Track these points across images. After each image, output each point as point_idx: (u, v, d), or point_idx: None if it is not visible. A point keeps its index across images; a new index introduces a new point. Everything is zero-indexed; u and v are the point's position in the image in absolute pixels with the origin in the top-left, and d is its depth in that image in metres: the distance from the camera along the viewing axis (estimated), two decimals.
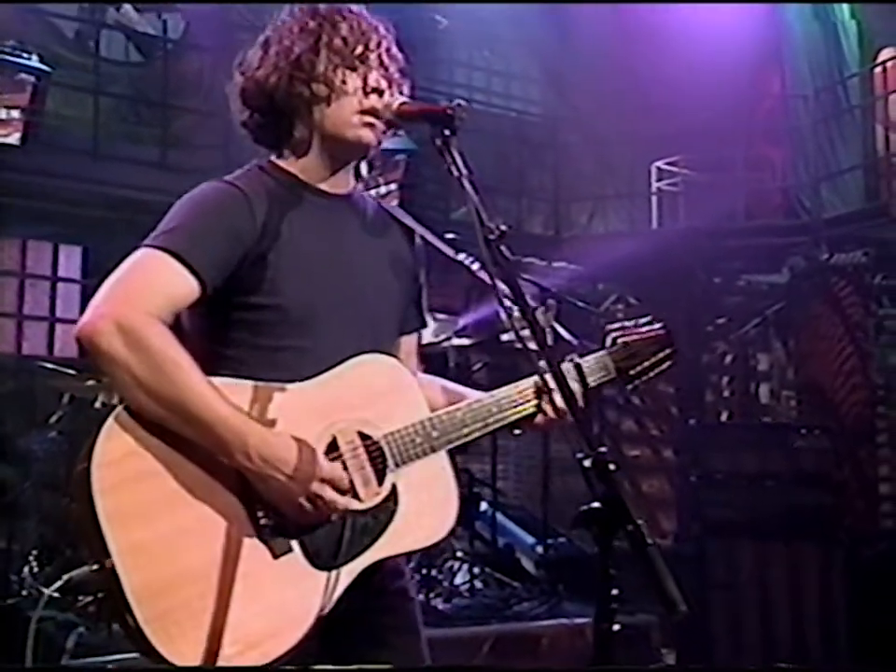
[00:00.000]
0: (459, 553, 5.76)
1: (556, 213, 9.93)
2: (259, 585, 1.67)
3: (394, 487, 1.79)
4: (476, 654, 4.85)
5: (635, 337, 2.11)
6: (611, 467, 1.36)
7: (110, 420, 1.65)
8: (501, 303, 1.62)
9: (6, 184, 6.51)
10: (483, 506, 6.37)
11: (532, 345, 1.58)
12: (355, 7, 1.90)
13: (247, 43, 1.94)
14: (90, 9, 8.14)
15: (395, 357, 1.94)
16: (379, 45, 1.87)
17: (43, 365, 5.44)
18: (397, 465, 1.79)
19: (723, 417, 9.47)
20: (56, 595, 4.18)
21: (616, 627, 1.31)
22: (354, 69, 1.84)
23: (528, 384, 1.94)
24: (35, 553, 4.76)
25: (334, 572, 1.71)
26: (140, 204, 6.61)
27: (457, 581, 5.69)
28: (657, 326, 2.14)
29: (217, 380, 1.70)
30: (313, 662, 1.77)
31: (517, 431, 1.98)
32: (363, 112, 1.83)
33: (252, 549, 1.68)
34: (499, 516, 6.44)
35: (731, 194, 9.07)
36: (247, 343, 1.79)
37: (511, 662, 4.94)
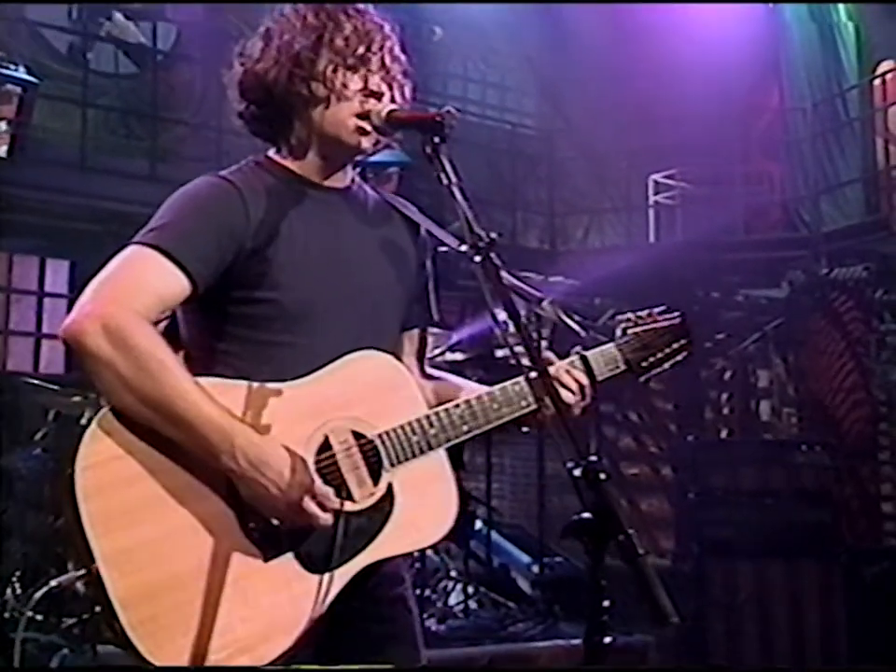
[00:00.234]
0: (453, 573, 5.74)
1: (552, 227, 9.97)
2: (249, 589, 1.66)
3: (390, 487, 1.77)
4: None
5: (646, 327, 2.03)
6: (602, 476, 1.36)
7: (94, 423, 1.64)
8: (493, 317, 1.59)
9: None
10: (478, 524, 6.36)
11: (525, 360, 1.56)
12: (360, 6, 1.89)
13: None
14: (80, 21, 8.17)
15: (398, 352, 1.92)
16: (382, 46, 1.85)
17: (28, 381, 5.43)
18: (392, 464, 1.76)
19: (723, 434, 9.47)
20: (39, 617, 4.16)
21: (607, 640, 1.31)
22: (354, 70, 1.83)
23: (528, 379, 1.87)
24: (18, 574, 4.74)
25: (327, 575, 1.68)
26: (129, 218, 6.58)
27: (451, 601, 5.67)
28: (672, 314, 2.06)
29: (206, 380, 1.69)
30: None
31: (525, 429, 1.93)
32: (361, 115, 1.83)
33: (242, 552, 1.66)
34: (494, 535, 6.43)
35: (729, 207, 9.11)
36: (243, 338, 1.78)
37: None
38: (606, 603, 1.33)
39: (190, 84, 8.36)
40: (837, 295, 8.49)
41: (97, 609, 1.67)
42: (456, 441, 1.83)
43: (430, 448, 1.80)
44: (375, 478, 1.76)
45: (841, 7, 9.49)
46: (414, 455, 1.78)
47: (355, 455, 1.75)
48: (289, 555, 1.69)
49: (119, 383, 1.63)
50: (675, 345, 2.05)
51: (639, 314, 2.06)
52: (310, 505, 1.65)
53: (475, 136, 9.10)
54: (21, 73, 6.77)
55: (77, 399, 4.72)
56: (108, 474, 1.62)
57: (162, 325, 1.81)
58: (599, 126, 9.54)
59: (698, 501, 5.79)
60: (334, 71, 1.82)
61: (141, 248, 1.72)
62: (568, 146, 10.00)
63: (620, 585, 1.37)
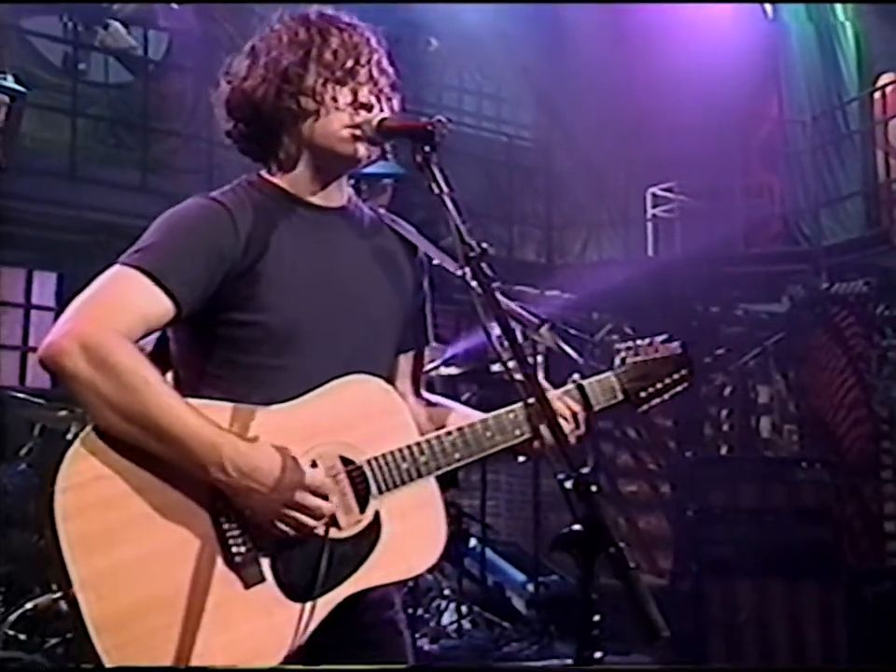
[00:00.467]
0: (447, 592, 5.74)
1: (549, 240, 10.01)
2: (229, 615, 1.64)
3: (377, 515, 1.75)
4: None
5: (646, 357, 2.02)
6: (593, 488, 1.36)
7: (77, 443, 1.63)
8: (486, 331, 1.59)
9: None
10: (473, 542, 6.35)
11: (518, 375, 1.55)
12: (347, 18, 1.90)
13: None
14: (74, 30, 8.21)
15: (393, 375, 1.91)
16: (370, 59, 1.86)
17: (14, 395, 5.42)
18: (380, 491, 1.75)
19: (723, 451, 9.48)
20: (22, 636, 4.14)
21: (598, 655, 1.31)
22: (343, 84, 1.84)
23: (523, 407, 1.87)
24: (2, 592, 4.72)
25: (309, 604, 1.66)
26: (118, 229, 6.63)
27: (445, 620, 5.67)
28: (673, 344, 2.04)
29: (193, 401, 1.68)
30: None
31: (521, 458, 1.92)
32: (352, 127, 1.83)
33: (222, 577, 1.65)
34: (489, 553, 6.42)
35: (728, 221, 9.14)
36: (231, 361, 1.77)
37: None
38: (596, 617, 1.33)
39: (182, 94, 8.39)
40: (838, 310, 8.52)
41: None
42: (447, 469, 1.82)
43: (420, 476, 1.78)
44: (362, 505, 1.75)
45: (841, 15, 9.55)
46: (403, 483, 1.77)
47: (342, 482, 1.73)
48: (271, 582, 1.68)
49: (101, 402, 1.62)
50: (675, 376, 2.04)
51: (639, 342, 2.05)
52: (307, 498, 1.65)
53: (471, 148, 9.14)
54: (10, 82, 6.78)
55: (63, 413, 4.71)
56: (88, 495, 1.61)
57: (151, 343, 1.81)
58: (597, 138, 9.59)
59: (697, 519, 5.79)
60: (323, 85, 1.82)
61: (125, 269, 1.71)
62: (566, 158, 10.05)
63: (616, 604, 1.37)
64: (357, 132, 1.83)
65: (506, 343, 1.57)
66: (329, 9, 1.90)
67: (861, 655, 5.41)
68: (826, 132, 9.34)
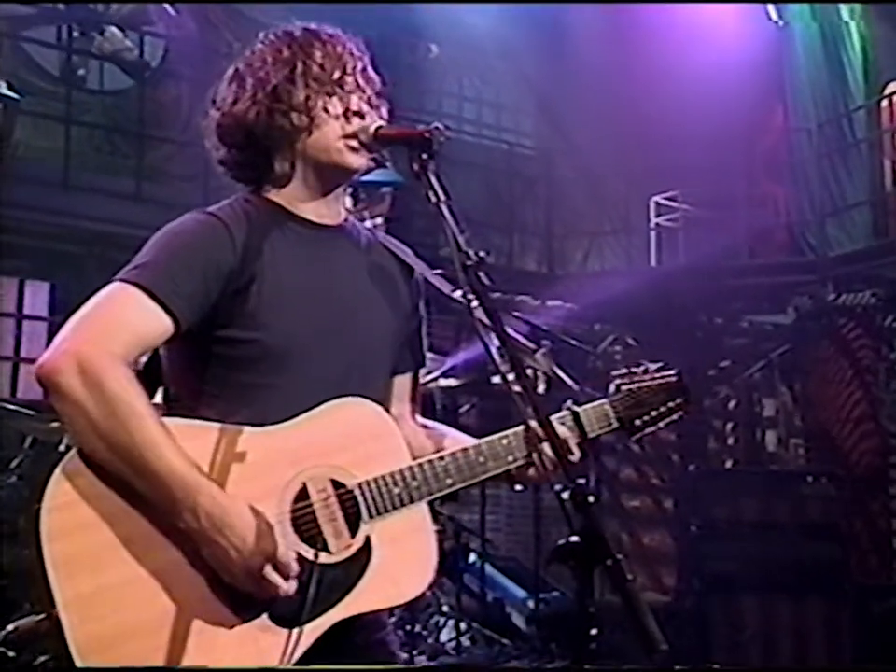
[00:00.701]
0: (445, 608, 5.72)
1: (550, 249, 10.03)
2: (214, 641, 1.64)
3: (367, 539, 1.75)
4: None
5: (641, 384, 2.04)
6: (590, 499, 1.37)
7: (64, 462, 1.64)
8: (485, 344, 1.61)
9: None
10: (472, 557, 6.34)
11: (517, 389, 1.56)
12: (329, 29, 1.92)
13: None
14: (69, 37, 8.25)
15: (387, 396, 1.93)
16: (355, 67, 1.88)
17: (5, 406, 5.42)
18: (371, 516, 1.75)
19: (728, 465, 9.47)
20: (11, 654, 4.13)
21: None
22: (332, 94, 1.86)
23: (517, 433, 1.89)
24: None
25: (296, 630, 1.66)
26: (112, 238, 6.66)
27: (443, 637, 5.65)
28: (669, 372, 2.06)
29: (182, 421, 1.69)
30: None
31: (518, 487, 1.94)
32: (346, 136, 1.85)
33: (208, 602, 1.65)
34: (489, 568, 6.40)
35: (733, 231, 9.16)
36: (225, 379, 1.78)
37: None
38: (594, 631, 1.34)
39: (178, 101, 8.43)
40: (845, 322, 8.52)
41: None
42: (439, 494, 1.83)
43: (412, 501, 1.79)
44: (353, 529, 1.75)
45: (846, 14, 9.58)
46: (395, 508, 1.78)
47: (333, 505, 1.74)
48: (258, 608, 1.68)
49: (89, 426, 1.63)
50: (670, 404, 2.06)
51: (634, 369, 2.07)
52: (271, 574, 1.64)
53: (471, 156, 9.17)
54: (3, 89, 6.82)
55: (55, 425, 4.70)
56: (75, 516, 1.62)
57: (143, 361, 1.82)
58: (599, 146, 9.61)
59: (700, 534, 5.79)
60: (313, 98, 1.85)
61: (123, 286, 1.72)
62: (567, 166, 10.08)
63: (616, 621, 1.38)
64: (352, 141, 1.85)
65: (505, 356, 1.59)
66: (311, 24, 1.93)
67: None
68: (832, 140, 9.36)
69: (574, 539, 1.36)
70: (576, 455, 1.92)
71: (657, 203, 9.73)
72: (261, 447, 1.72)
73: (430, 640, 5.55)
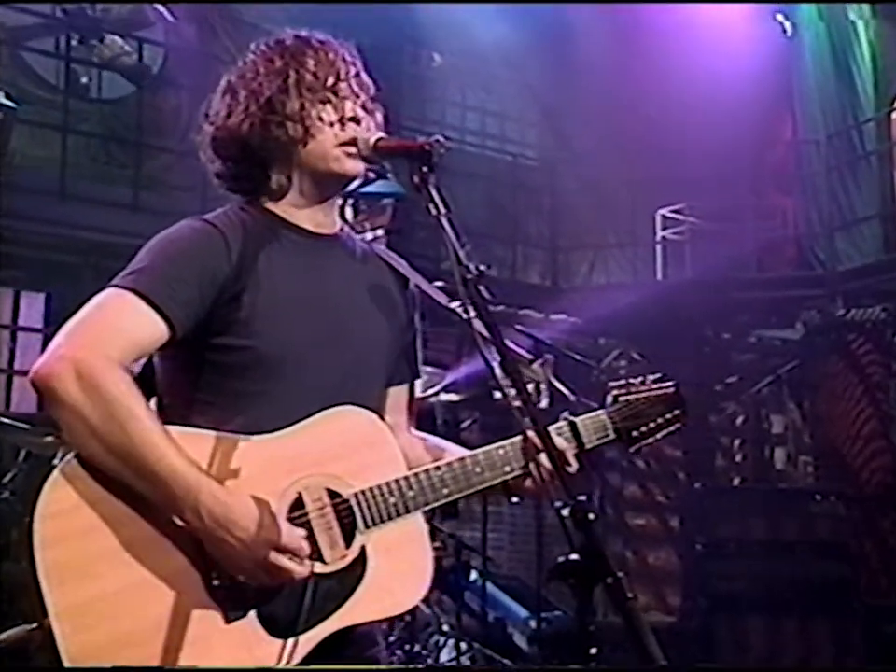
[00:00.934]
0: (445, 628, 5.70)
1: (554, 262, 10.05)
2: (209, 651, 1.65)
3: (363, 550, 1.77)
4: None
5: (638, 395, 2.07)
6: (590, 516, 1.39)
7: (57, 470, 1.66)
8: (485, 358, 1.63)
9: None
10: (473, 576, 6.33)
11: (515, 398, 1.59)
12: (320, 35, 1.95)
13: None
14: (66, 45, 8.29)
15: (382, 407, 1.95)
16: (348, 73, 1.91)
17: None
18: (367, 526, 1.78)
19: (735, 483, 9.46)
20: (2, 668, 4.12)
21: None
22: (327, 102, 1.89)
23: (514, 443, 1.91)
24: None
25: (291, 640, 1.68)
26: (109, 248, 6.68)
27: (443, 657, 5.63)
28: (666, 384, 2.09)
29: (176, 429, 1.70)
30: None
31: (515, 499, 1.96)
32: (343, 143, 1.88)
33: (203, 612, 1.66)
34: (490, 587, 6.39)
35: (740, 244, 9.18)
36: (218, 387, 1.80)
37: None
38: (593, 650, 1.35)
39: (177, 110, 8.46)
40: (855, 337, 8.53)
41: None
42: (435, 504, 1.86)
43: (408, 511, 1.81)
44: (348, 539, 1.77)
45: (853, 14, 9.61)
46: (391, 518, 1.80)
47: (328, 515, 1.76)
48: (253, 618, 1.70)
49: (87, 430, 1.65)
50: (668, 415, 2.08)
51: (631, 380, 2.10)
52: (280, 559, 1.66)
53: (474, 167, 9.21)
54: (0, 97, 6.86)
55: (49, 438, 4.72)
56: (69, 524, 1.63)
57: (137, 369, 1.83)
58: (604, 157, 9.65)
59: (706, 553, 5.79)
60: (308, 107, 1.87)
61: (118, 291, 1.75)
62: (572, 177, 10.11)
63: (619, 641, 1.39)
64: (349, 148, 1.88)
65: (505, 370, 1.60)
66: (303, 31, 1.95)
67: None
68: (841, 152, 9.39)
69: (574, 556, 1.37)
70: (573, 467, 1.94)
71: (663, 216, 9.75)
72: (257, 455, 1.74)
73: (430, 660, 5.53)
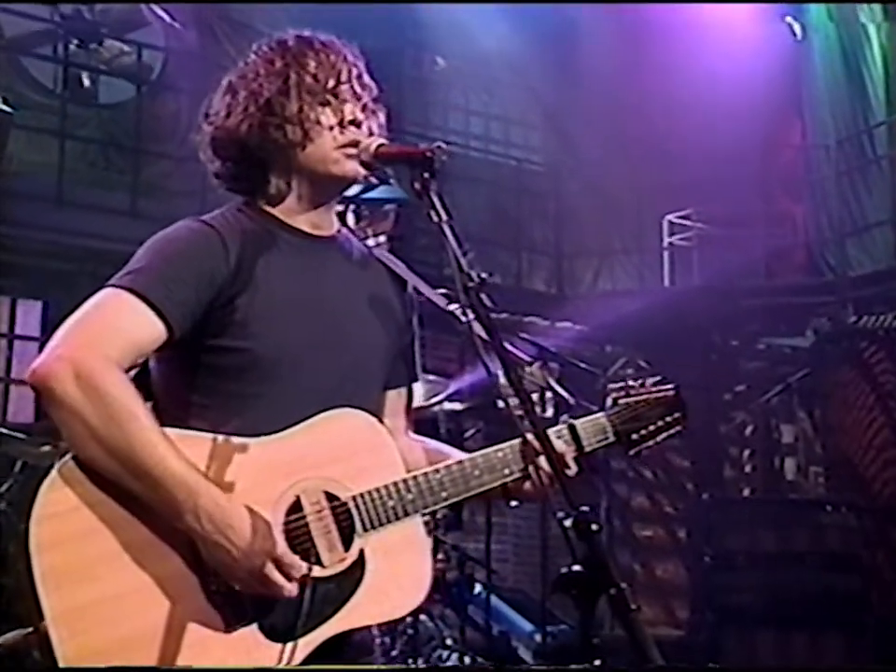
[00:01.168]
0: (449, 641, 5.70)
1: (559, 268, 10.06)
2: (207, 656, 1.66)
3: (361, 553, 1.78)
4: None
5: (638, 398, 2.08)
6: (593, 527, 1.39)
7: (54, 471, 1.66)
8: (485, 364, 1.63)
9: None
10: (477, 588, 6.33)
11: (517, 407, 1.60)
12: (323, 36, 1.96)
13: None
14: (63, 49, 8.33)
15: (380, 410, 1.98)
16: (350, 75, 1.92)
17: None
18: (365, 529, 1.79)
19: (745, 494, 9.45)
20: None
21: None
22: (327, 104, 1.90)
23: (513, 446, 1.93)
24: None
25: (290, 644, 1.70)
26: (106, 256, 6.69)
27: None
28: (666, 386, 2.11)
29: (174, 431, 1.72)
30: None
31: (513, 503, 1.97)
32: (342, 146, 1.89)
33: (201, 616, 1.67)
34: (494, 600, 6.38)
35: (749, 250, 9.19)
36: (215, 389, 1.82)
37: None
38: (597, 662, 1.35)
39: (176, 115, 8.48)
40: (866, 344, 8.53)
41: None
42: (434, 507, 1.87)
43: (406, 514, 1.83)
44: (347, 543, 1.78)
45: (870, 26, 9.61)
46: (389, 521, 1.81)
47: (326, 518, 1.77)
48: (251, 622, 1.71)
49: (87, 432, 1.66)
50: (668, 418, 2.10)
51: (631, 383, 2.12)
52: (273, 573, 1.68)
53: (477, 172, 9.23)
54: None
55: (46, 448, 4.73)
56: (66, 526, 1.64)
57: (133, 372, 1.84)
58: (610, 162, 9.66)
59: (714, 565, 5.79)
60: (308, 110, 1.88)
61: (116, 291, 1.76)
62: (577, 183, 10.12)
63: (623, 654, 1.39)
64: (349, 150, 1.89)
65: (506, 378, 1.62)
66: (306, 31, 1.97)
67: None
68: (851, 157, 9.40)
69: (577, 567, 1.38)
70: (573, 470, 1.95)
71: (670, 222, 9.76)
72: (254, 458, 1.76)
73: None
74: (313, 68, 1.90)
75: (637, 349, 9.42)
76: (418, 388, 2.20)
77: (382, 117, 1.96)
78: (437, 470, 1.88)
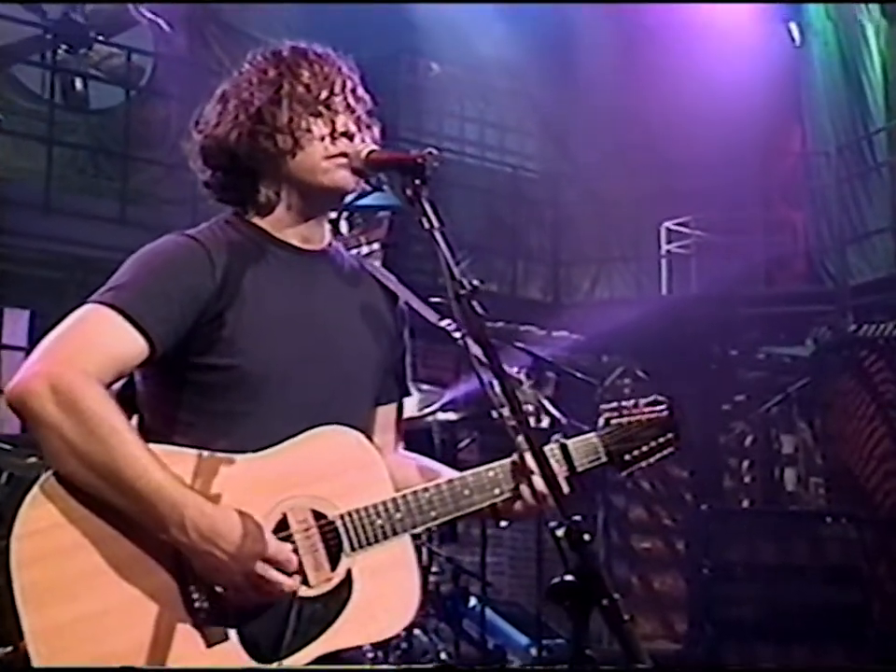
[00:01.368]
0: (443, 656, 5.69)
1: (556, 277, 10.07)
2: None
3: (349, 573, 1.78)
4: None
5: (631, 418, 2.09)
6: (586, 537, 1.40)
7: (36, 488, 1.66)
8: (479, 376, 1.65)
9: None
10: (472, 602, 6.32)
11: (511, 420, 1.61)
12: (318, 48, 1.97)
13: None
14: (52, 55, 8.34)
15: (370, 426, 1.98)
16: (344, 87, 1.92)
17: None
18: (353, 548, 1.78)
19: (744, 505, 9.45)
20: None
21: None
22: (319, 115, 1.90)
23: (503, 465, 1.93)
24: None
25: (275, 664, 1.70)
26: (95, 264, 6.69)
27: None
28: (660, 407, 2.11)
29: (158, 448, 1.71)
30: None
31: (503, 523, 1.97)
32: (332, 156, 1.89)
33: (184, 635, 1.67)
34: (489, 613, 6.37)
35: (748, 258, 9.21)
36: (201, 407, 1.81)
37: None
38: None
39: (166, 121, 8.48)
40: (867, 353, 8.54)
41: None
42: (423, 527, 1.87)
43: (395, 533, 1.83)
44: (334, 562, 1.77)
45: (872, 41, 9.65)
46: (377, 540, 1.81)
47: (313, 537, 1.77)
48: (236, 641, 1.71)
49: (66, 447, 1.66)
50: (661, 439, 2.11)
51: (624, 403, 2.12)
52: (269, 571, 1.67)
53: (473, 179, 9.25)
54: None
55: (32, 460, 4.72)
56: (47, 543, 1.64)
57: (118, 387, 1.84)
58: (607, 169, 9.68)
59: (713, 577, 5.78)
60: (298, 120, 1.89)
61: (97, 307, 1.76)
62: (574, 190, 10.14)
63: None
64: (339, 160, 1.89)
65: (499, 389, 1.62)
66: (301, 42, 1.97)
67: None
68: (852, 164, 9.43)
69: (569, 577, 1.38)
70: (565, 490, 1.96)
71: (668, 229, 9.78)
72: (241, 476, 1.75)
73: None
74: (306, 79, 1.91)
75: (634, 358, 9.41)
76: (409, 402, 2.18)
77: (376, 130, 1.97)
78: (426, 489, 1.88)
